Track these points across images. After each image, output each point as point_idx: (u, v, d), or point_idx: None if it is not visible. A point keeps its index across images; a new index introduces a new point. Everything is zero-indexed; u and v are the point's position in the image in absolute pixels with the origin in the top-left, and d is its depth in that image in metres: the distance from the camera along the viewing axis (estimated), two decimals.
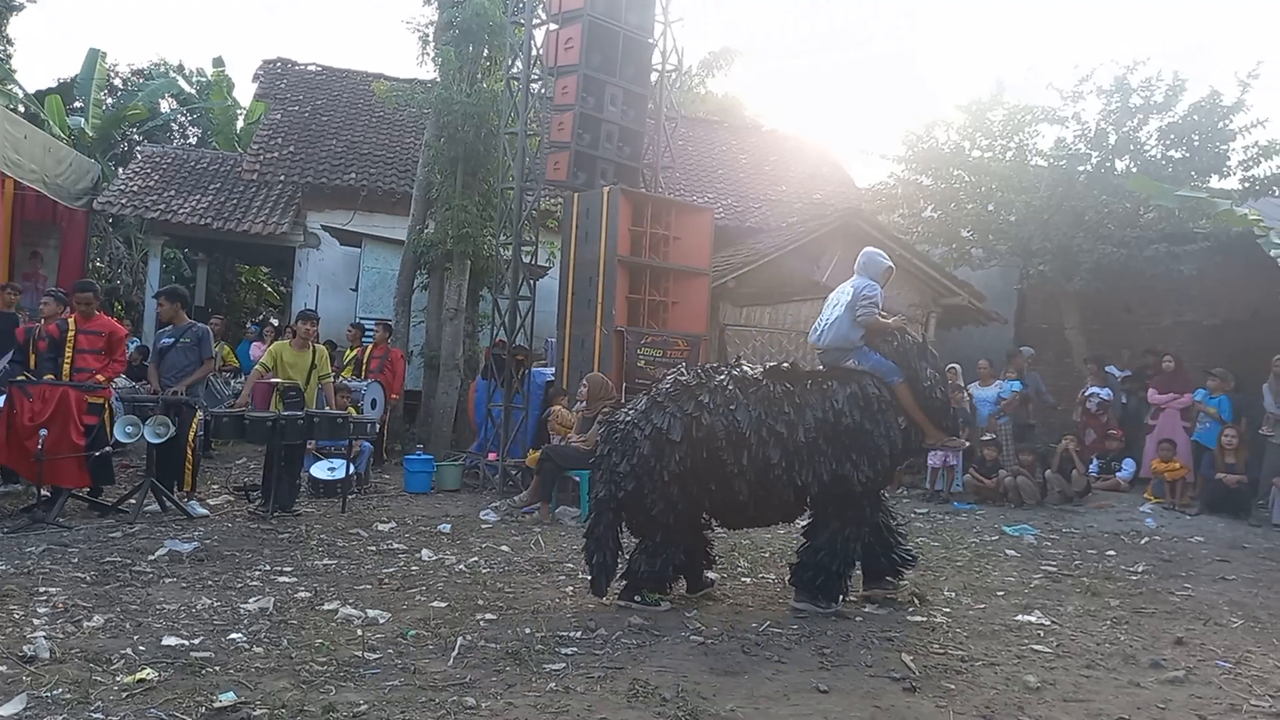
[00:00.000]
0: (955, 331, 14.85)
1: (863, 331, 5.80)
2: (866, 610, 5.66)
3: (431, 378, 12.25)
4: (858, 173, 22.31)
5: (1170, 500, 10.42)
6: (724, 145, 19.68)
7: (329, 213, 14.74)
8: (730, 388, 5.46)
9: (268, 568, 6.06)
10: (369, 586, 5.76)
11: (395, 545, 6.89)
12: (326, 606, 5.27)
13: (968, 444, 9.22)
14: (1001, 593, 6.31)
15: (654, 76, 11.25)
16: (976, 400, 11.50)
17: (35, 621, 4.66)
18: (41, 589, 5.21)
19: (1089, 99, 13.77)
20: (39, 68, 37.36)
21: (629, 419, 5.52)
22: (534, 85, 10.80)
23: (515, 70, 10.89)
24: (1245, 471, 10.18)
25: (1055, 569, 6.96)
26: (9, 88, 19.34)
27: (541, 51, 10.66)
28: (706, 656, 4.68)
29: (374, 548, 6.80)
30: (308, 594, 5.51)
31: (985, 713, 4.06)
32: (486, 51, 12.42)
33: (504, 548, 6.98)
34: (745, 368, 5.70)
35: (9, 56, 21.31)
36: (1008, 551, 7.72)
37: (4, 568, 5.59)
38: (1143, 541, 8.50)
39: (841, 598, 5.57)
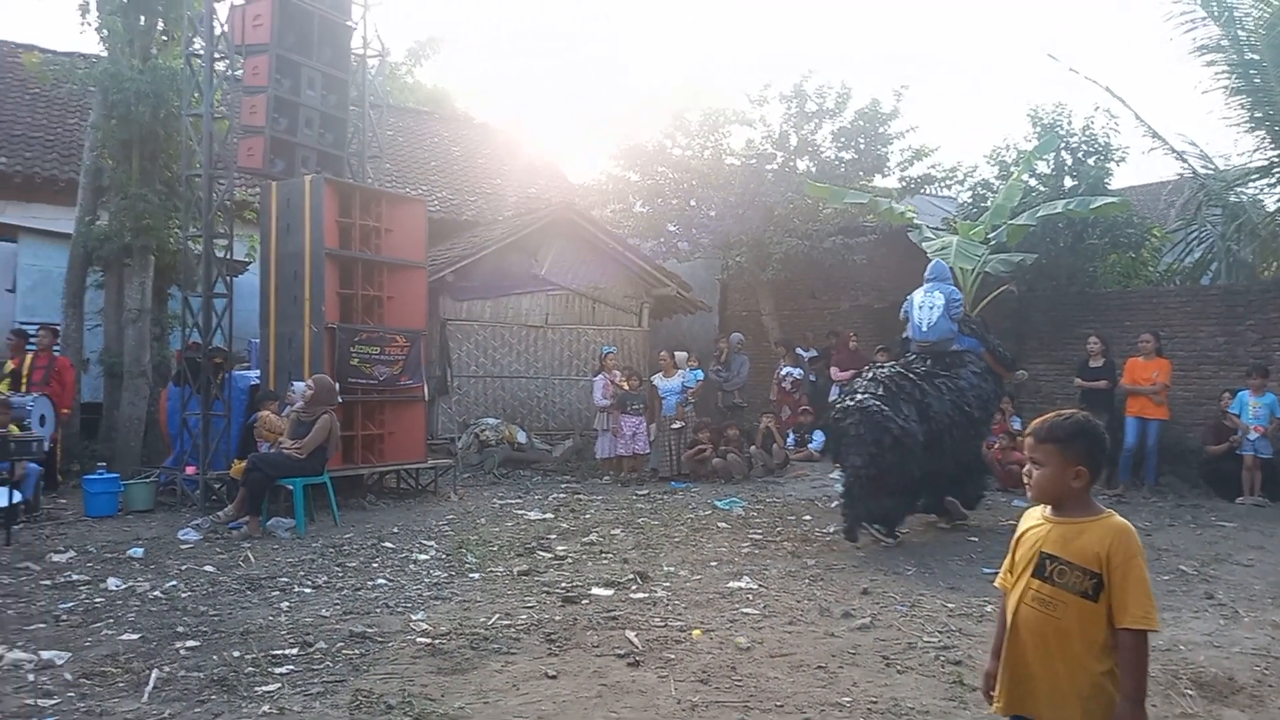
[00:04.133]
0: (667, 320, 15.65)
1: (957, 325, 8.00)
2: (593, 593, 5.84)
3: (114, 387, 10.95)
4: (570, 168, 22.85)
5: None
6: (436, 137, 19.29)
7: None
8: (937, 379, 7.61)
9: None
10: (43, 625, 5.08)
11: (75, 577, 6.11)
12: None
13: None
14: (715, 563, 6.76)
15: (355, 62, 10.81)
16: (661, 391, 11.72)
17: None
18: None
19: (773, 104, 15.03)
20: None
21: (875, 405, 7.13)
22: (219, 64, 9.97)
23: (196, 47, 9.99)
24: None
25: (761, 536, 7.56)
26: None
27: (226, 28, 9.87)
28: (434, 657, 4.61)
29: (48, 582, 5.99)
30: None
31: (702, 676, 4.34)
32: (161, 24, 11.28)
33: (208, 568, 6.42)
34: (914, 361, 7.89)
35: None
36: (720, 524, 8.27)
37: None
38: (834, 505, 9.42)
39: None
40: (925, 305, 8.05)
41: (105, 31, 10.92)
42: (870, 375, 7.65)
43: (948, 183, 15.11)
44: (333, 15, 10.23)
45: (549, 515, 8.69)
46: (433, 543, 7.33)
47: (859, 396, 7.35)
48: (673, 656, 4.62)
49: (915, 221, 12.18)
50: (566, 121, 49.94)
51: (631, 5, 58.08)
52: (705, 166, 14.95)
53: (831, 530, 7.91)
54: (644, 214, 15.91)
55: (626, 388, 11.20)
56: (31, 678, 4.27)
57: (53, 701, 3.98)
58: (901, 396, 7.33)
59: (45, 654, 4.56)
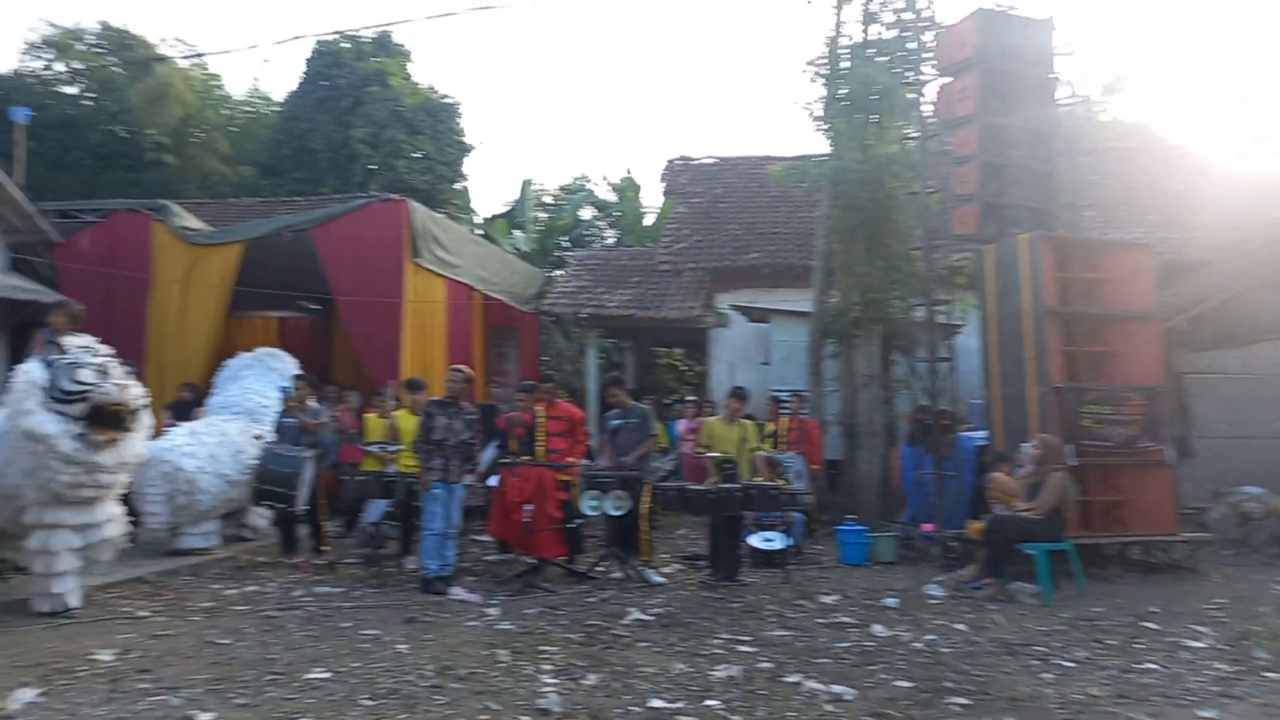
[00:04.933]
0: None
1: None
2: None
3: (851, 446, 12.14)
4: None
5: None
6: (1144, 173, 17.56)
7: (735, 292, 15.45)
8: None
9: (727, 636, 6.26)
10: (827, 660, 5.70)
11: (843, 619, 6.78)
12: (789, 679, 5.30)
13: None
14: None
15: (1057, 112, 10.45)
16: None
17: (543, 678, 5.22)
18: (542, 648, 5.86)
19: None
20: (486, 198, 45.61)
21: None
22: (929, 142, 10.55)
23: (908, 130, 10.73)
24: None
25: None
26: (472, 219, 23.24)
27: (934, 107, 10.41)
28: None
29: (822, 620, 6.75)
30: (769, 665, 5.58)
31: None
32: (876, 116, 12.40)
33: (959, 626, 6.56)
34: None
35: (466, 192, 25.61)
36: None
37: (511, 627, 6.39)
38: None
39: None
40: None
41: (832, 132, 12.44)
42: None
43: None
44: (1035, 72, 10.09)
45: None
46: (1205, 629, 6.40)
47: None
48: None
49: None
50: None
51: None
52: None
53: None
54: None
55: None
56: (829, 708, 4.80)
57: None
58: None
59: (835, 688, 5.09)
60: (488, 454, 9.63)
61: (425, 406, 8.01)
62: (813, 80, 13.11)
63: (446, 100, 25.17)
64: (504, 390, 12.69)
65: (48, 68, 24.69)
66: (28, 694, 4.59)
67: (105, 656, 5.35)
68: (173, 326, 12.79)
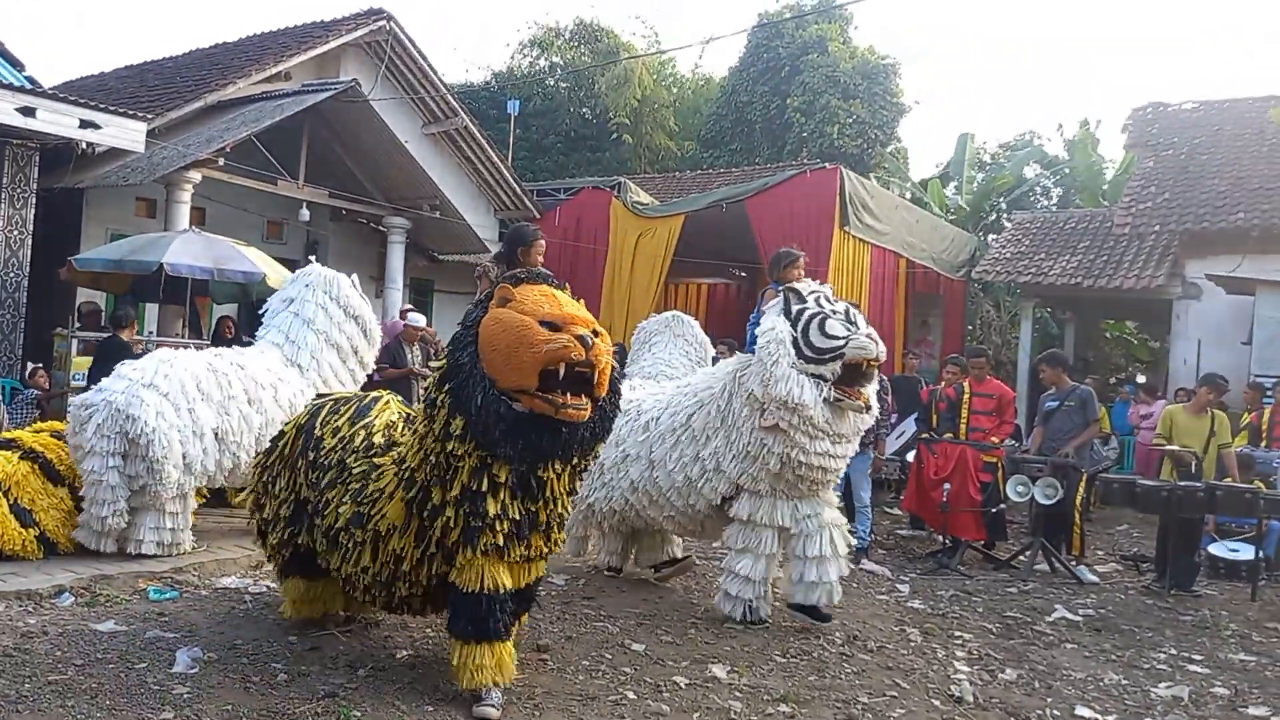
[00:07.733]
0: None
1: None
2: None
3: None
4: None
5: None
6: None
7: (1211, 259, 13.31)
8: None
9: (1173, 651, 5.57)
10: None
11: None
12: (1251, 711, 4.61)
13: None
14: None
15: None
16: None
17: (956, 664, 5.07)
18: (956, 633, 5.67)
19: None
20: (921, 158, 44.03)
21: None
22: None
23: None
24: None
25: None
26: (902, 182, 22.65)
27: None
28: None
29: None
30: (1225, 691, 4.89)
31: None
32: None
33: None
34: None
35: (900, 153, 24.95)
36: None
37: (922, 607, 6.26)
38: None
39: None
40: None
41: None
42: None
43: None
44: None
45: None
46: None
47: None
48: None
49: None
50: None
51: None
52: None
53: None
54: None
55: None
56: None
57: None
58: None
59: None
60: (908, 427, 9.47)
61: None
62: None
63: (885, 60, 24.70)
64: (921, 361, 12.33)
65: (534, 63, 28.53)
66: None
67: (558, 581, 6.17)
68: (621, 293, 14.27)
